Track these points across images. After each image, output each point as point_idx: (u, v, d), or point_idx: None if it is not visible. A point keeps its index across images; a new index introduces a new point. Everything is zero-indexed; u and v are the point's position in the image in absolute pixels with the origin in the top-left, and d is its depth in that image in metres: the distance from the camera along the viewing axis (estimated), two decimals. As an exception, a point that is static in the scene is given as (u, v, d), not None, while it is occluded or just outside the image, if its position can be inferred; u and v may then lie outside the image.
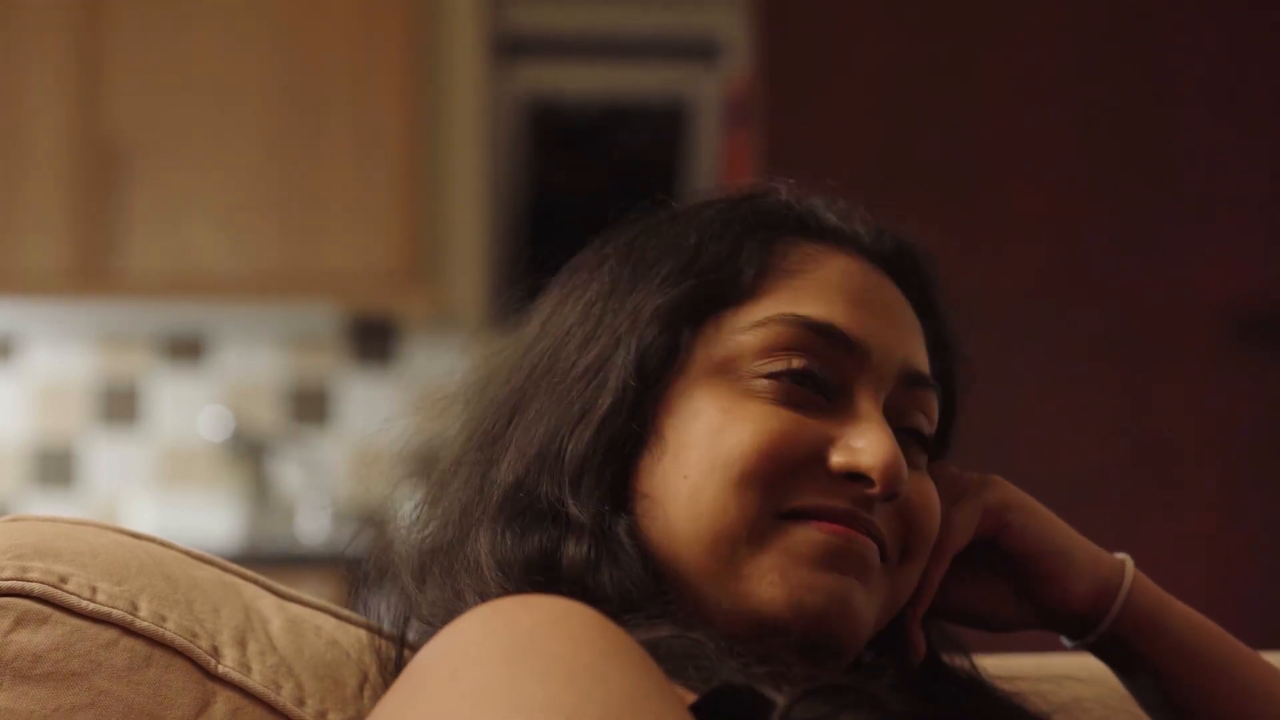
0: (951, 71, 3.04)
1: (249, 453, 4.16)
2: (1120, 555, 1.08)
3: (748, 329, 1.01)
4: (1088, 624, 1.07)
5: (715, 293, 1.02)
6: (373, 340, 4.31)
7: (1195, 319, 3.01)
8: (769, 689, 0.86)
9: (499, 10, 4.45)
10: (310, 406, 4.29)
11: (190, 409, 4.27)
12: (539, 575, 0.98)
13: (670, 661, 0.90)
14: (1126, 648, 1.07)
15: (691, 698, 0.87)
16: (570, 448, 1.01)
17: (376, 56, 4.07)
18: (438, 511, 1.05)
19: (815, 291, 1.02)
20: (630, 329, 1.02)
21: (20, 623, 1.01)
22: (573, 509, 0.99)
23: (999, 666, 1.12)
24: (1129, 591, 1.06)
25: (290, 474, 4.17)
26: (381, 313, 4.23)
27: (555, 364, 1.04)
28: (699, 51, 4.50)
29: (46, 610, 1.02)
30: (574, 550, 0.98)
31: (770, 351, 1.00)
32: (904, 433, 1.02)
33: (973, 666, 1.09)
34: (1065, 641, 1.09)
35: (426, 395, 1.10)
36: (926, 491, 1.02)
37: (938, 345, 1.08)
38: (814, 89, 3.03)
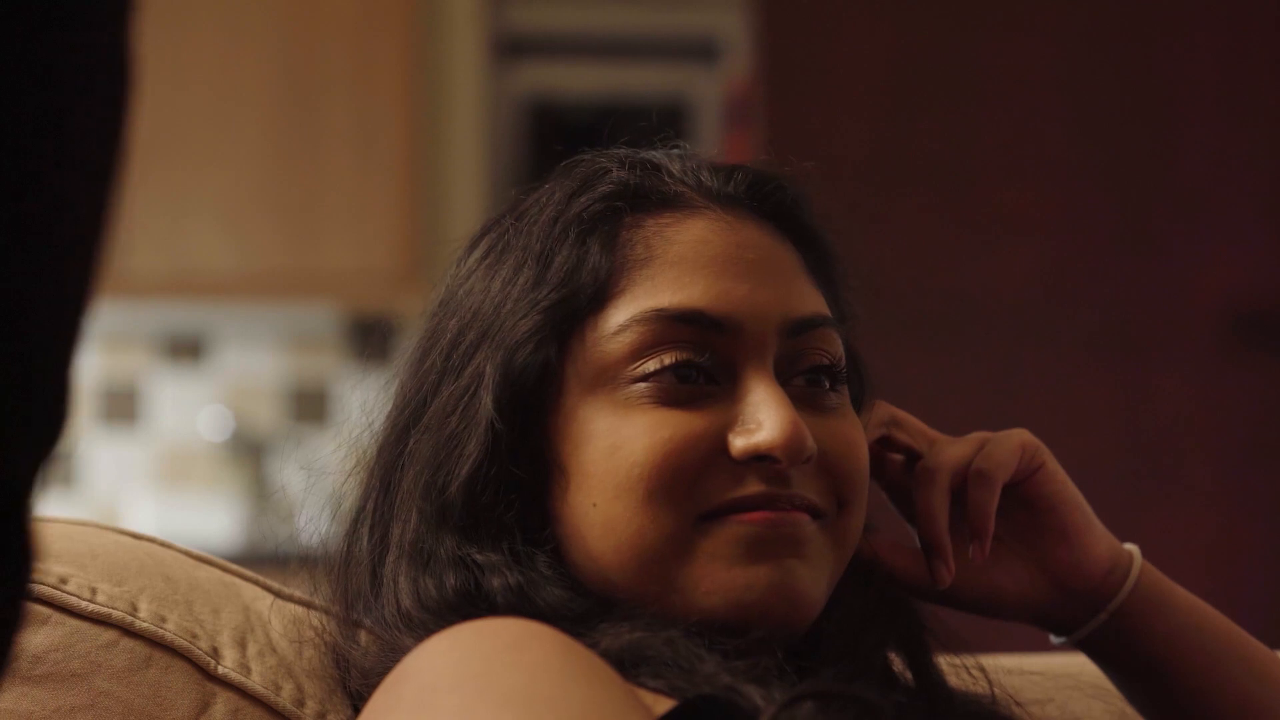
0: (951, 71, 3.04)
1: (249, 453, 4.16)
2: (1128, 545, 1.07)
3: (612, 336, 0.97)
4: (1097, 601, 1.04)
5: (571, 306, 0.97)
6: (373, 340, 4.31)
7: (1195, 318, 3.01)
8: (751, 692, 0.85)
9: (499, 10, 4.45)
10: (310, 406, 4.29)
11: (190, 409, 4.27)
12: (472, 609, 0.94)
13: (647, 665, 0.89)
14: (1134, 629, 1.04)
15: (666, 704, 0.86)
16: (453, 496, 0.97)
17: (376, 56, 4.07)
18: (356, 546, 1.03)
19: (671, 275, 0.97)
20: (491, 362, 0.98)
21: (20, 624, 1.01)
22: (478, 556, 0.96)
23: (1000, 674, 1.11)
24: (1141, 568, 1.05)
25: (290, 474, 4.17)
26: (381, 313, 4.23)
27: (424, 398, 1.01)
28: (699, 51, 4.49)
29: (46, 611, 1.01)
30: (499, 583, 0.95)
31: (640, 354, 0.96)
32: (806, 376, 0.99)
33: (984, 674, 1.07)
34: (1054, 639, 1.08)
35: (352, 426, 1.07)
36: (844, 432, 0.98)
37: (820, 263, 1.04)
38: (814, 89, 3.03)
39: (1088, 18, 3.07)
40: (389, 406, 1.05)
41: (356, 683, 1.00)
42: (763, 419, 0.95)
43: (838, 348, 1.00)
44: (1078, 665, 1.17)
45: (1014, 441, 1.05)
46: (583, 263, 0.98)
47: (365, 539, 1.02)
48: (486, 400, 0.97)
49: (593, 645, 0.90)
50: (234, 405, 4.26)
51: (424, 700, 0.83)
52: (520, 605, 0.94)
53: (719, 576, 0.94)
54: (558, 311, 0.98)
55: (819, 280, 1.03)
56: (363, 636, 1.02)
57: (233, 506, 4.12)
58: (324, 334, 4.30)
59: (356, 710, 1.01)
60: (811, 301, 1.00)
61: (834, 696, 0.84)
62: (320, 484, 1.09)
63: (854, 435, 0.99)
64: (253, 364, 4.31)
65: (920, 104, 3.04)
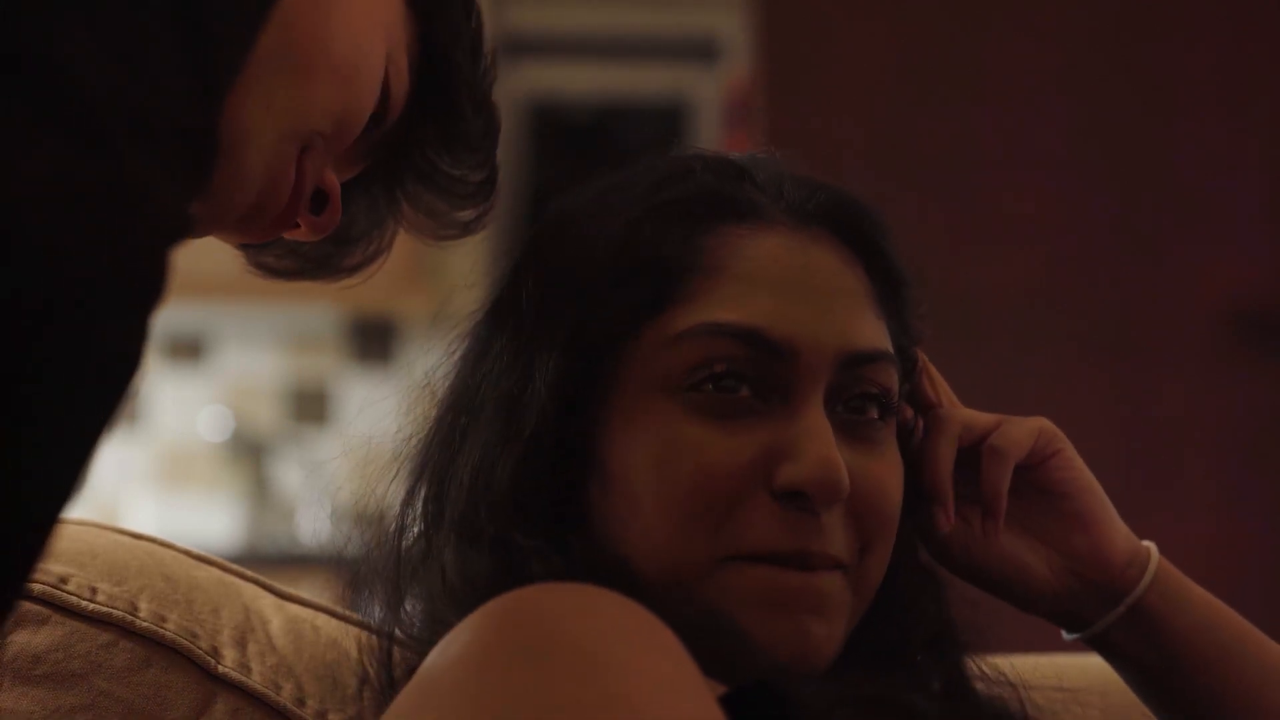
0: (951, 71, 3.04)
1: (249, 453, 4.16)
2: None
3: (670, 343, 0.96)
4: (1116, 593, 1.04)
5: (636, 306, 0.97)
6: (373, 340, 4.31)
7: (1195, 319, 3.01)
8: (803, 688, 0.85)
9: (499, 10, 4.45)
10: (310, 406, 4.29)
11: (190, 409, 4.27)
12: (515, 587, 0.93)
13: (700, 650, 0.86)
14: (1152, 625, 1.04)
15: (720, 689, 0.85)
16: (499, 479, 0.98)
17: (376, 56, 4.07)
18: (409, 518, 1.03)
19: (737, 289, 0.97)
20: (548, 352, 0.98)
21: (20, 623, 1.01)
22: (520, 539, 0.96)
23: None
24: (1159, 564, 1.05)
25: (290, 474, 4.17)
26: (381, 313, 4.23)
27: (482, 385, 1.01)
28: (699, 51, 4.50)
29: (46, 611, 1.02)
30: (540, 568, 0.95)
31: (695, 366, 0.96)
32: (852, 408, 0.98)
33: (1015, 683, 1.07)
34: (1067, 635, 1.08)
35: (413, 392, 1.08)
36: (878, 474, 0.98)
37: (891, 293, 1.03)
38: (814, 89, 3.03)
39: (1088, 18, 3.07)
40: (453, 373, 1.05)
41: (397, 668, 1.00)
42: (802, 453, 0.94)
43: (892, 382, 1.00)
44: (1075, 675, 1.17)
45: (1031, 424, 1.05)
46: (651, 263, 0.98)
47: (419, 509, 1.03)
48: (540, 386, 0.98)
49: None
50: (234, 405, 4.26)
51: (489, 663, 0.78)
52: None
53: (738, 616, 0.94)
54: (621, 307, 0.98)
55: (886, 310, 1.02)
56: (406, 609, 1.02)
57: (233, 506, 4.13)
58: (324, 334, 4.30)
59: (381, 695, 1.01)
60: (872, 334, 0.99)
61: (885, 702, 0.84)
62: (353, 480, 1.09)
63: (888, 478, 0.99)
64: (253, 364, 4.31)
65: (920, 104, 3.04)
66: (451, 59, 1.01)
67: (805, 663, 0.95)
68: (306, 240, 1.02)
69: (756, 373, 0.96)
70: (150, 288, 0.69)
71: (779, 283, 0.98)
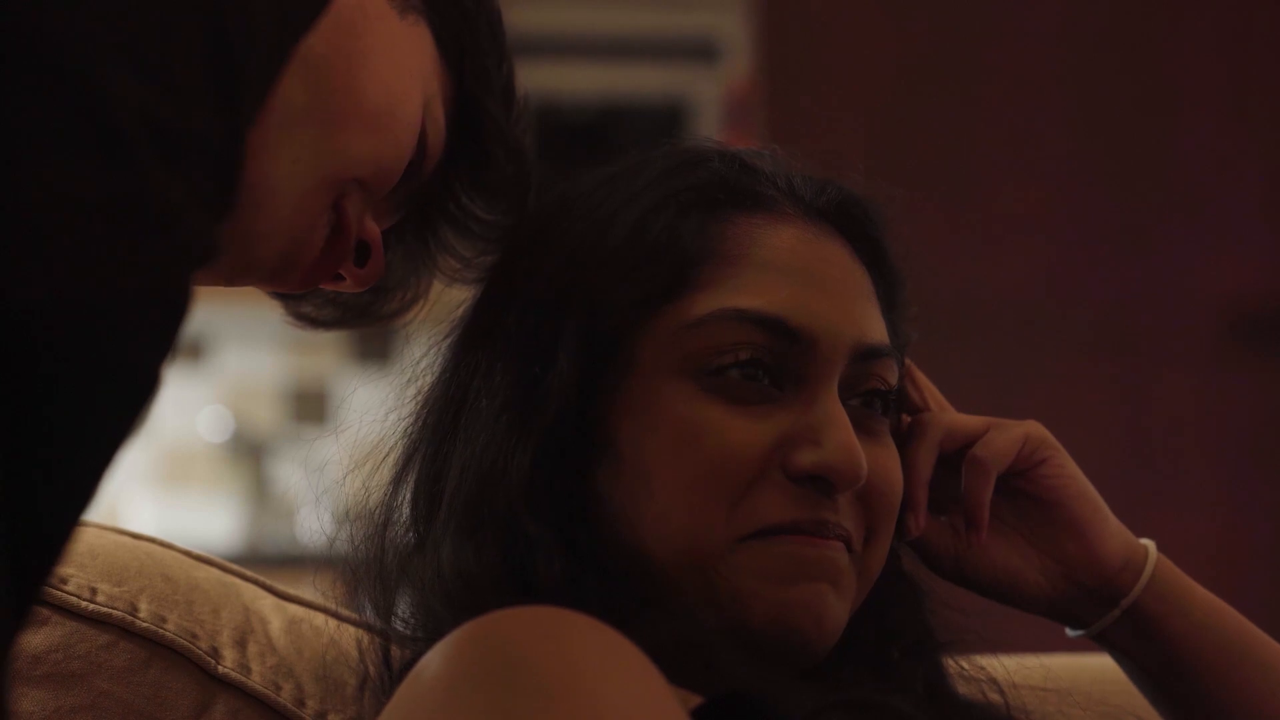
0: (951, 71, 3.04)
1: (249, 453, 4.16)
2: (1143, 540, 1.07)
3: (690, 327, 0.96)
4: (1112, 596, 1.05)
5: (654, 289, 0.97)
6: (373, 340, 4.31)
7: (1195, 319, 3.01)
8: (785, 695, 0.85)
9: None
10: (310, 407, 4.29)
11: (190, 409, 4.27)
12: (509, 588, 0.94)
13: (679, 662, 0.87)
14: (1149, 627, 1.04)
15: (697, 699, 0.85)
16: (515, 463, 0.97)
17: (376, 56, 4.06)
18: (398, 505, 1.03)
19: (756, 277, 0.98)
20: (564, 336, 0.98)
21: (20, 624, 1.01)
22: (531, 527, 0.96)
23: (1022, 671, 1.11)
24: (1157, 565, 1.05)
25: (290, 474, 4.17)
26: (381, 313, 4.22)
27: (493, 366, 1.00)
28: (699, 51, 4.50)
29: (46, 611, 1.02)
30: (544, 564, 0.95)
31: (717, 350, 0.96)
32: (862, 402, 0.99)
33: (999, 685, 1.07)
34: (1070, 632, 1.08)
35: (403, 388, 1.07)
36: (885, 463, 0.99)
37: (888, 291, 1.04)
38: (814, 89, 3.03)
39: (1088, 18, 3.07)
40: (442, 364, 1.04)
41: (397, 665, 1.00)
42: (824, 439, 0.95)
43: (895, 377, 1.01)
44: (1070, 675, 1.17)
45: (1016, 432, 1.05)
46: (671, 245, 0.98)
47: (409, 495, 1.02)
48: (564, 370, 0.97)
49: (628, 637, 0.89)
50: (234, 405, 4.26)
51: (456, 694, 0.79)
52: (561, 590, 0.94)
53: (759, 592, 0.95)
54: (639, 291, 0.98)
55: (883, 307, 1.03)
56: (401, 607, 1.01)
57: (233, 506, 4.13)
58: (324, 334, 4.29)
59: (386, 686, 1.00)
60: (880, 329, 1.01)
61: (870, 706, 0.84)
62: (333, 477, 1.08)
63: (894, 467, 1.00)
64: (253, 364, 4.31)
65: (920, 104, 3.04)
66: (485, 108, 1.02)
67: (822, 636, 0.96)
68: (350, 291, 1.02)
69: (774, 360, 0.97)
70: (172, 305, 0.69)
71: (798, 273, 0.98)
